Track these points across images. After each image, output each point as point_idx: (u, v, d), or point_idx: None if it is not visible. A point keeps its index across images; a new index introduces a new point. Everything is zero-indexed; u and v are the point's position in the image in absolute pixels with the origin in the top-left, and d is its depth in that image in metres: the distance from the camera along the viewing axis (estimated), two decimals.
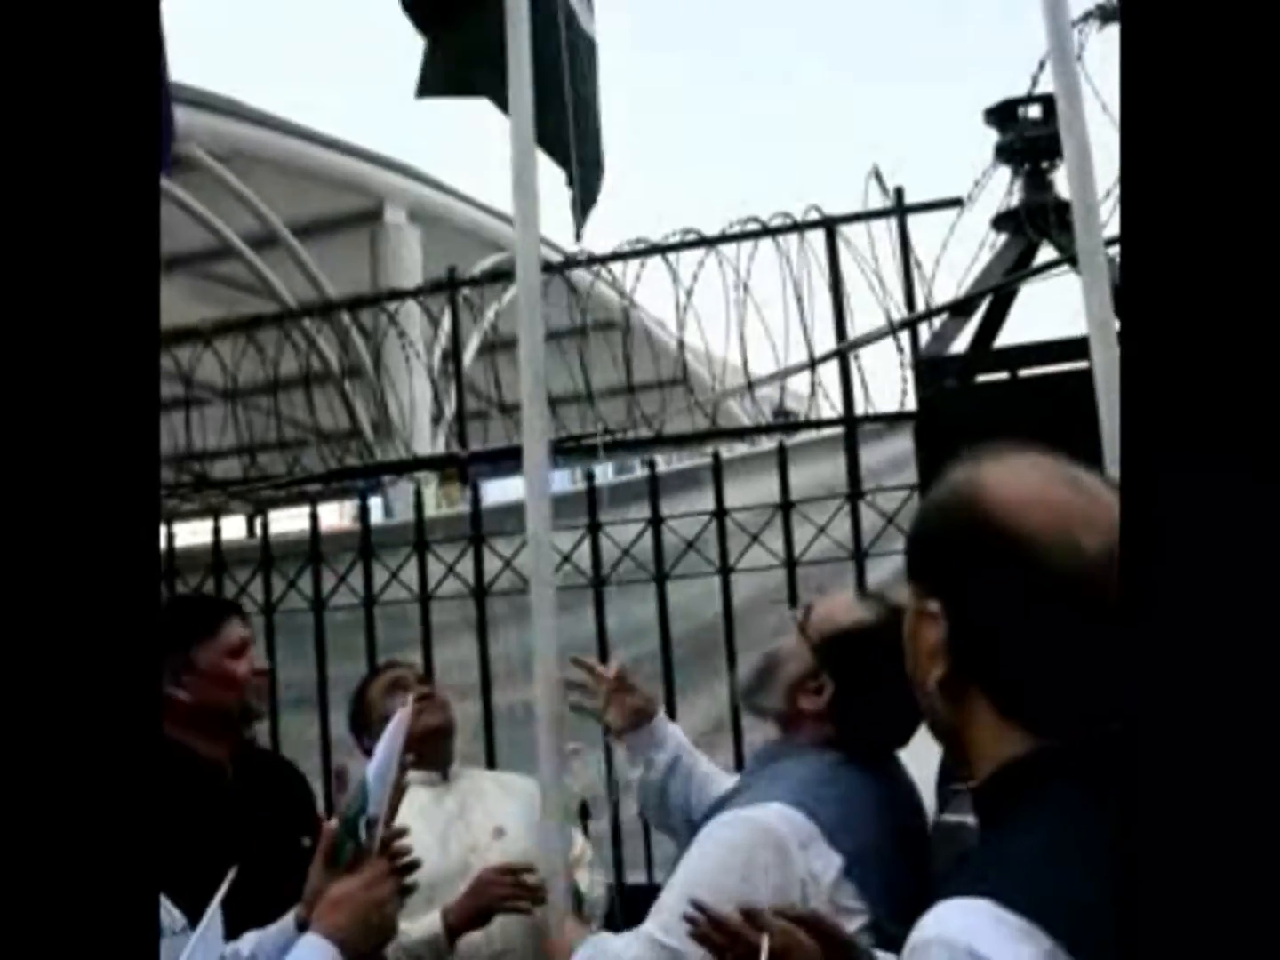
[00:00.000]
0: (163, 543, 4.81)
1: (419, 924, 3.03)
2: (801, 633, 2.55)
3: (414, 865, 2.37)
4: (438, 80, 3.49)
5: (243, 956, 2.19)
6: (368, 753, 3.27)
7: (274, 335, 5.04)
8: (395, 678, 3.41)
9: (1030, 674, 1.17)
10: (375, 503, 6.04)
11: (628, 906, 3.25)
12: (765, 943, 1.97)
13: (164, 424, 5.20)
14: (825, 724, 2.48)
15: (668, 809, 2.97)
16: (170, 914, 2.15)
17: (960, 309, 4.03)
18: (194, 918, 2.16)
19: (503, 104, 3.10)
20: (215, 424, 5.19)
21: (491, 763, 4.11)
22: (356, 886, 2.21)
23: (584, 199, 3.37)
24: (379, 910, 2.22)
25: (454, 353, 5.02)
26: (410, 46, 3.46)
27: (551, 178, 3.23)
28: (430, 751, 3.22)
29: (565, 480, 4.68)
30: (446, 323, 4.96)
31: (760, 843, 2.36)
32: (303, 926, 2.25)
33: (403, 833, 2.36)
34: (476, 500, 4.41)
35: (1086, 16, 3.94)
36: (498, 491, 5.44)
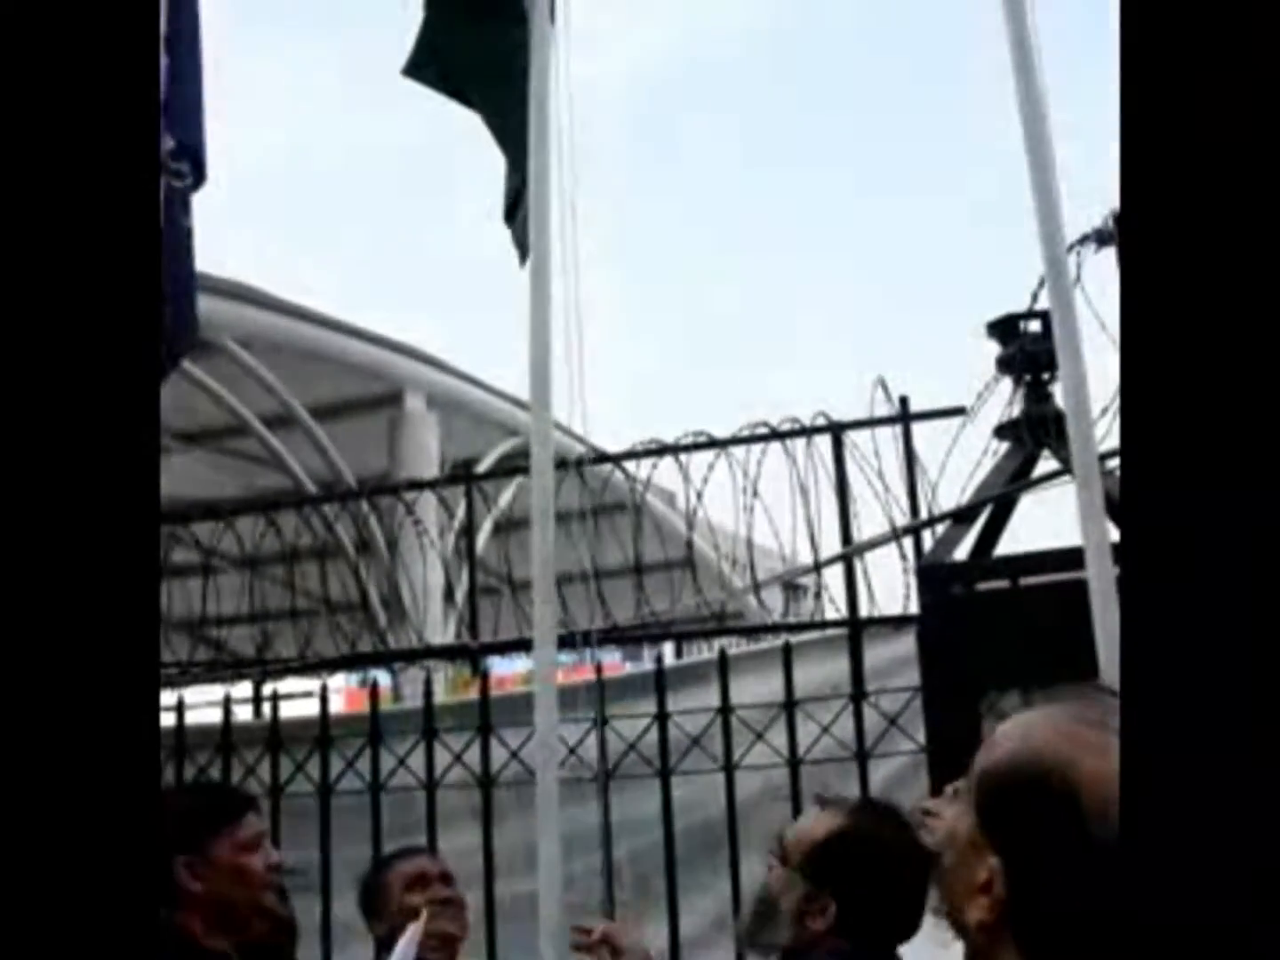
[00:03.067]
0: (173, 718, 4.86)
1: None
2: (783, 863, 2.57)
3: None
4: (429, 71, 3.54)
5: None
6: (379, 941, 3.30)
7: (291, 516, 5.15)
8: (419, 872, 3.40)
9: (1076, 936, 1.19)
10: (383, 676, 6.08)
11: None
12: None
13: (179, 590, 5.31)
14: (835, 938, 2.47)
15: None
16: None
17: (962, 516, 4.14)
18: None
19: (490, 126, 3.23)
20: (230, 592, 5.27)
21: (492, 954, 4.11)
22: None
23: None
24: None
25: (468, 542, 5.12)
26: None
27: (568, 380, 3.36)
28: (441, 952, 3.25)
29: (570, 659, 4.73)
30: (461, 510, 5.08)
31: None
32: None
33: None
34: (485, 690, 4.47)
35: (1084, 239, 4.12)
36: (502, 664, 5.51)
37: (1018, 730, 1.32)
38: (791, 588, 5.09)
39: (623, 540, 4.57)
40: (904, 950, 2.50)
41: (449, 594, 6.69)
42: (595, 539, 4.60)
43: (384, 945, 3.31)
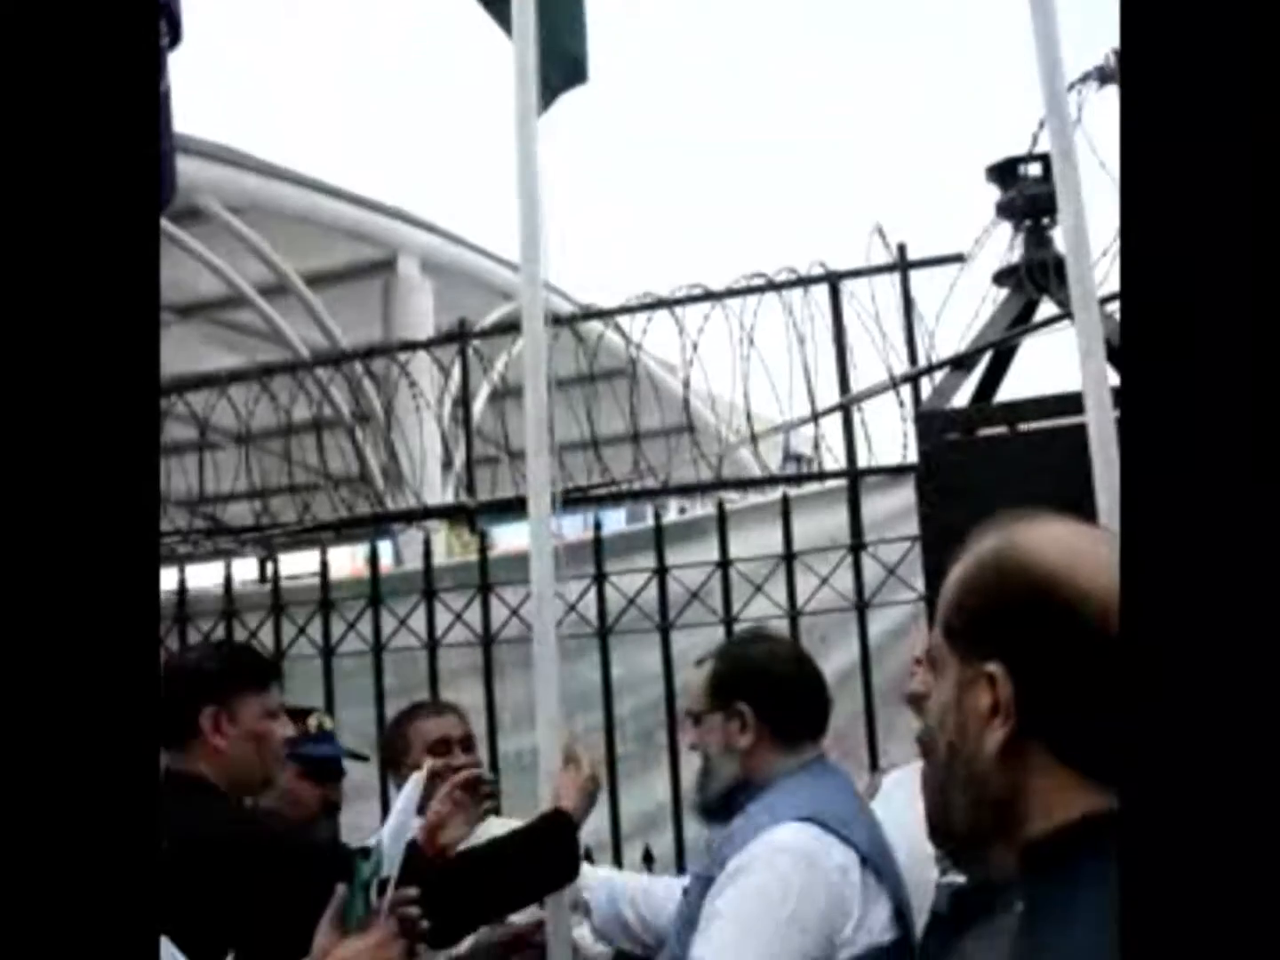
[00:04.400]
0: (174, 587, 4.87)
1: None
2: (695, 721, 2.78)
3: (423, 931, 2.41)
4: None
5: None
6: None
7: (287, 383, 5.11)
8: (442, 736, 3.41)
9: (1103, 727, 1.18)
10: (385, 547, 6.08)
11: None
12: None
13: (177, 467, 5.30)
14: (767, 744, 2.69)
15: (627, 932, 3.06)
16: (175, 958, 2.18)
17: (961, 363, 4.09)
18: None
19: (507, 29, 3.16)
20: (228, 468, 5.25)
21: (497, 809, 4.14)
22: (365, 948, 2.23)
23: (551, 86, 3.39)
24: None
25: (463, 402, 5.08)
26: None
27: (561, 228, 3.29)
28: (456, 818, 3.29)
29: (577, 525, 4.73)
30: (457, 372, 5.03)
31: (790, 866, 2.49)
32: None
33: (413, 897, 2.40)
34: (484, 549, 4.47)
35: (1085, 78, 4.02)
36: (509, 536, 5.49)
37: (1012, 538, 1.29)
38: (794, 459, 5.05)
39: (621, 407, 4.52)
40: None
41: (447, 464, 6.66)
42: (592, 395, 4.56)
43: None
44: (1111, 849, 1.10)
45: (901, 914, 2.58)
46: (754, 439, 4.19)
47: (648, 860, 3.95)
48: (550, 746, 2.98)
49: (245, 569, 5.33)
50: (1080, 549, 1.24)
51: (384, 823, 3.88)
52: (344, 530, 4.81)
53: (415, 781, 2.53)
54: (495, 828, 3.36)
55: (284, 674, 4.57)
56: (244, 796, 2.93)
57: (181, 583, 4.94)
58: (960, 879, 2.37)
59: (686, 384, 4.29)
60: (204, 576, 5.34)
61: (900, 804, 2.82)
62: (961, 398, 4.09)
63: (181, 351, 6.45)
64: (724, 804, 2.75)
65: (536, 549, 3.05)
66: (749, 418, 4.11)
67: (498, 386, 5.24)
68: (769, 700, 2.75)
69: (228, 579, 4.83)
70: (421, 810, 2.84)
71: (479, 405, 5.96)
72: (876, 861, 2.59)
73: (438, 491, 6.47)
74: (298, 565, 5.43)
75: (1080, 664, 1.20)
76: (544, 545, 3.05)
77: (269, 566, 4.90)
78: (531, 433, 3.02)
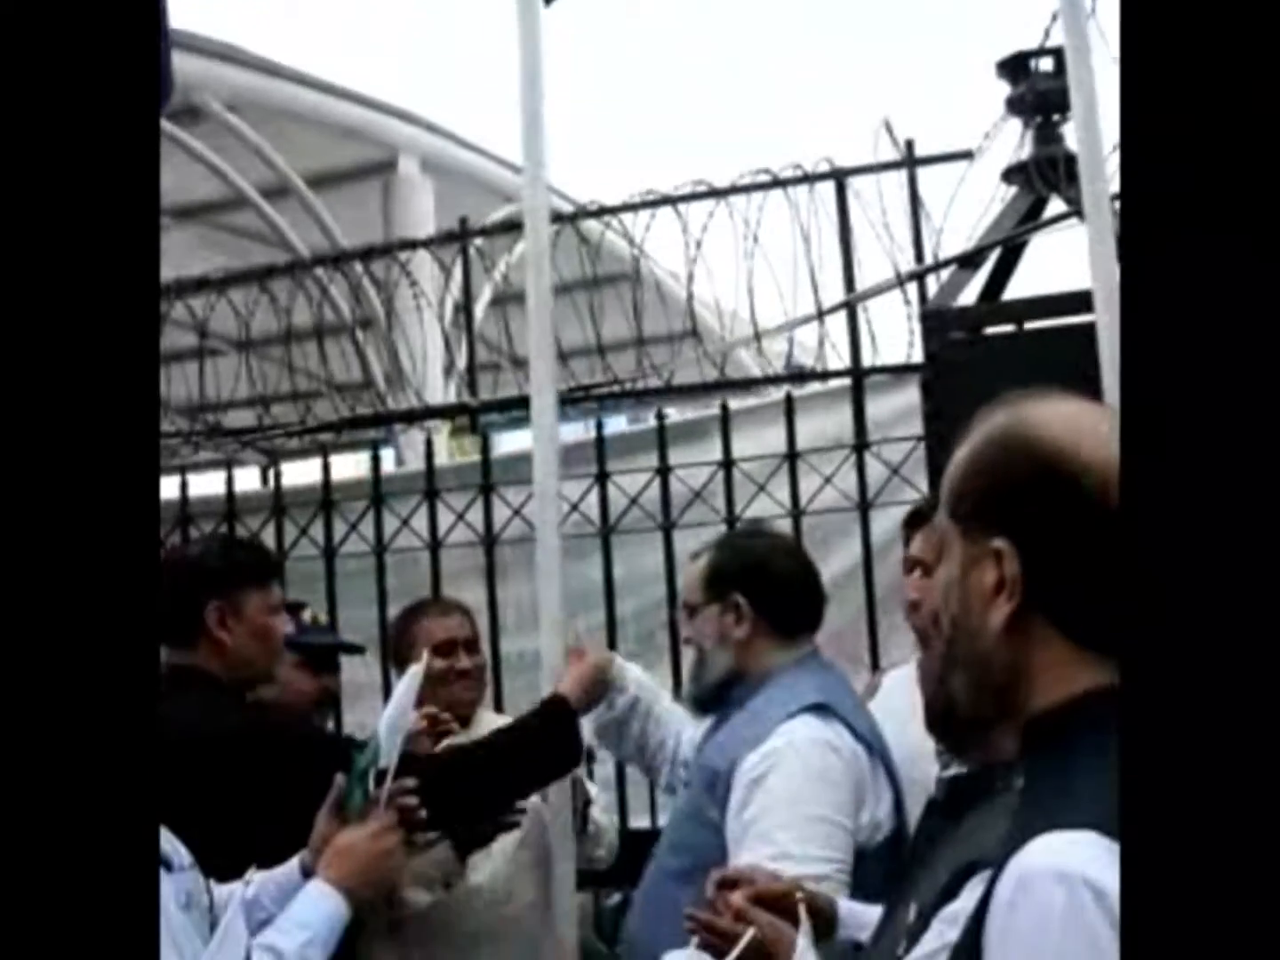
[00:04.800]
0: (175, 491, 4.86)
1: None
2: (690, 614, 2.81)
3: (420, 821, 2.42)
4: None
5: (246, 898, 2.22)
6: None
7: (287, 285, 5.06)
8: (448, 639, 3.41)
9: (1106, 600, 1.18)
10: (387, 455, 6.07)
11: (631, 850, 3.31)
12: (746, 936, 2.07)
13: (178, 374, 5.26)
14: (763, 637, 2.73)
15: (622, 740, 3.12)
16: (176, 849, 2.18)
17: (968, 261, 4.04)
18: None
19: None
20: (229, 375, 5.21)
21: (499, 709, 4.15)
22: (363, 837, 2.27)
23: None
24: (384, 861, 2.28)
25: (465, 303, 5.03)
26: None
27: (562, 127, 3.25)
28: (456, 705, 3.30)
29: (578, 431, 4.71)
30: (458, 273, 4.98)
31: (819, 757, 2.55)
32: (307, 873, 2.29)
33: (411, 788, 2.41)
34: (486, 449, 4.45)
35: None
36: (511, 443, 5.48)
37: (1018, 415, 1.29)
38: (797, 370, 5.00)
39: (625, 310, 4.48)
40: None
41: (448, 369, 6.62)
42: (595, 296, 4.51)
43: None
44: (1113, 723, 1.10)
45: (899, 807, 2.61)
46: (758, 338, 4.15)
47: None
48: (553, 646, 2.98)
49: (247, 479, 5.32)
50: (1084, 424, 1.24)
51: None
52: (346, 430, 4.77)
53: (413, 674, 2.53)
54: (496, 723, 3.37)
55: (285, 575, 4.61)
56: (246, 690, 2.94)
57: (183, 486, 4.92)
58: (960, 771, 2.39)
59: (690, 280, 4.24)
60: (206, 486, 5.33)
61: (899, 702, 2.84)
62: (968, 296, 4.04)
63: (179, 255, 6.37)
64: (717, 696, 2.78)
65: (540, 446, 3.02)
66: (753, 316, 4.07)
67: (499, 290, 5.20)
68: (766, 592, 2.77)
69: (229, 480, 4.81)
70: (421, 704, 2.85)
71: (480, 309, 5.92)
72: (881, 751, 2.62)
73: (440, 395, 6.42)
74: (299, 476, 5.42)
75: (1084, 538, 1.20)
76: (547, 442, 3.02)
77: (270, 476, 4.88)
78: (535, 327, 2.98)
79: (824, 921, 2.23)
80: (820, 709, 2.62)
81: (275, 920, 2.14)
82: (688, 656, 2.89)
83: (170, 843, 2.16)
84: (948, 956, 1.24)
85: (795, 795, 2.52)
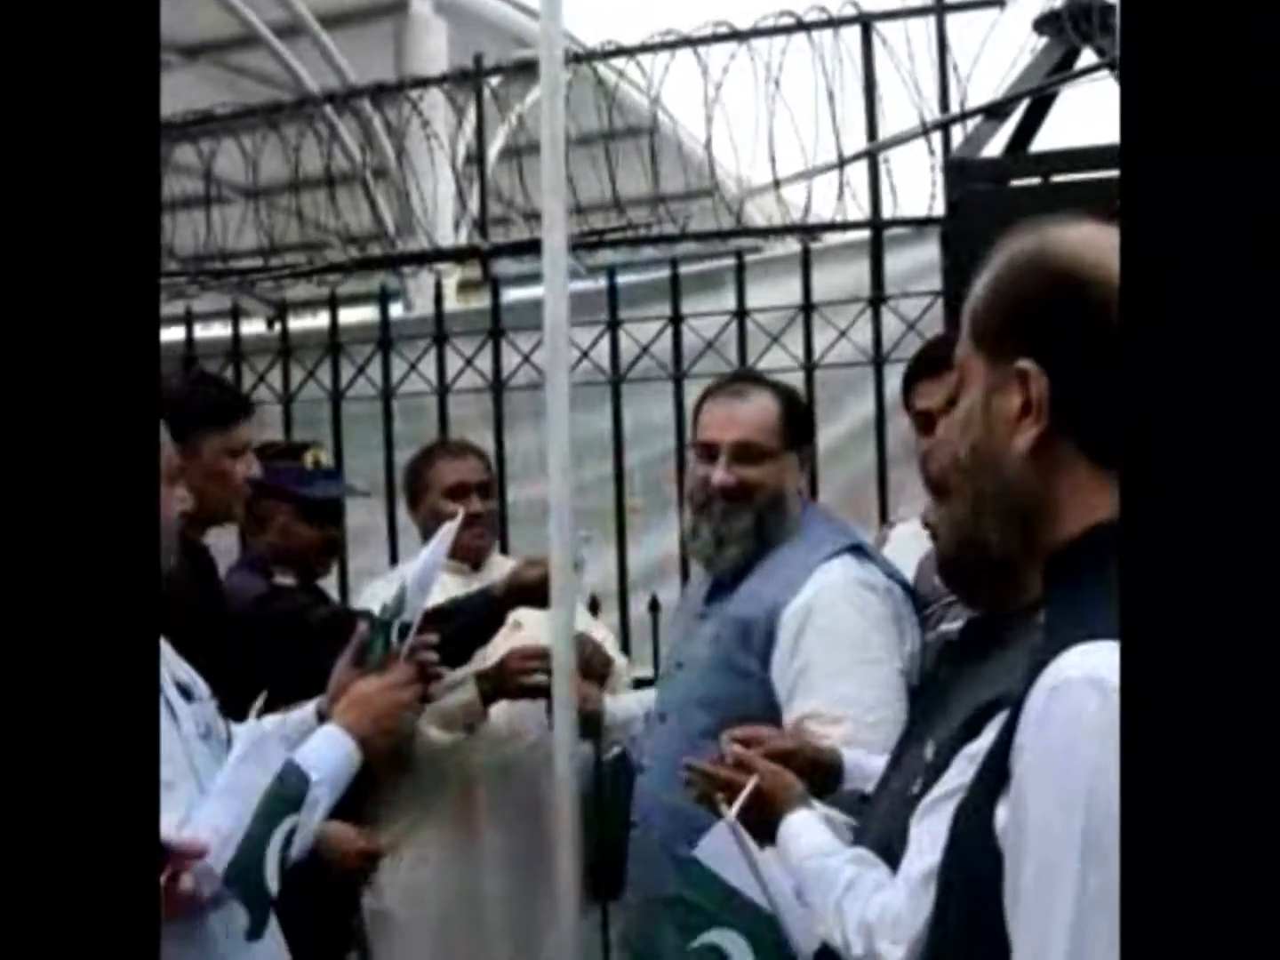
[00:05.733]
0: (181, 334, 4.80)
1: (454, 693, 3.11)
2: (709, 457, 2.72)
3: (438, 675, 2.42)
4: None
5: (266, 730, 2.22)
6: (425, 534, 3.34)
7: (295, 129, 4.93)
8: (460, 481, 3.39)
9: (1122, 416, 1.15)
10: (396, 309, 5.98)
11: None
12: (750, 784, 2.06)
13: (184, 221, 5.15)
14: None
15: None
16: (195, 680, 2.18)
17: (996, 112, 3.93)
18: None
19: None
20: (236, 223, 5.10)
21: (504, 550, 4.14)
22: (380, 687, 2.29)
23: None
24: (399, 712, 2.30)
25: (479, 146, 4.92)
26: None
27: None
28: (467, 551, 3.29)
29: (588, 284, 4.63)
30: (472, 115, 4.86)
31: (867, 599, 2.56)
32: (323, 718, 2.30)
33: (432, 643, 2.40)
34: (496, 294, 4.37)
35: None
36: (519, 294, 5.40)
37: (1043, 237, 1.28)
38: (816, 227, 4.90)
39: (642, 162, 4.36)
40: None
41: (458, 221, 6.50)
42: (610, 143, 4.40)
43: (425, 535, 3.37)
44: None
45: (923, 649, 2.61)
46: (776, 185, 4.04)
47: (654, 609, 3.95)
48: (561, 494, 2.94)
49: (255, 329, 5.23)
50: (1110, 245, 1.20)
51: (393, 567, 3.92)
52: (355, 273, 4.69)
53: (446, 531, 2.53)
54: (505, 567, 3.35)
55: (291, 418, 4.58)
56: (200, 532, 2.93)
57: (188, 328, 4.86)
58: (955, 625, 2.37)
59: (709, 122, 4.12)
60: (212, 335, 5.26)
61: (905, 556, 2.81)
62: (994, 148, 3.94)
63: (185, 95, 6.20)
64: (758, 545, 2.70)
65: (551, 288, 2.95)
66: (772, 163, 3.96)
67: (512, 141, 5.07)
68: (810, 443, 2.80)
69: (234, 322, 4.74)
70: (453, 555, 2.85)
71: (493, 157, 5.80)
72: (910, 589, 2.60)
73: (450, 237, 6.30)
74: (306, 325, 5.34)
75: (1109, 355, 1.17)
76: (559, 284, 2.95)
77: (276, 326, 4.81)
78: (548, 164, 2.89)
79: (830, 775, 2.23)
80: (855, 550, 2.61)
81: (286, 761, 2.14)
82: (713, 505, 2.75)
83: (189, 674, 2.17)
84: (969, 788, 1.22)
85: (846, 639, 2.50)
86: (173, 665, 2.15)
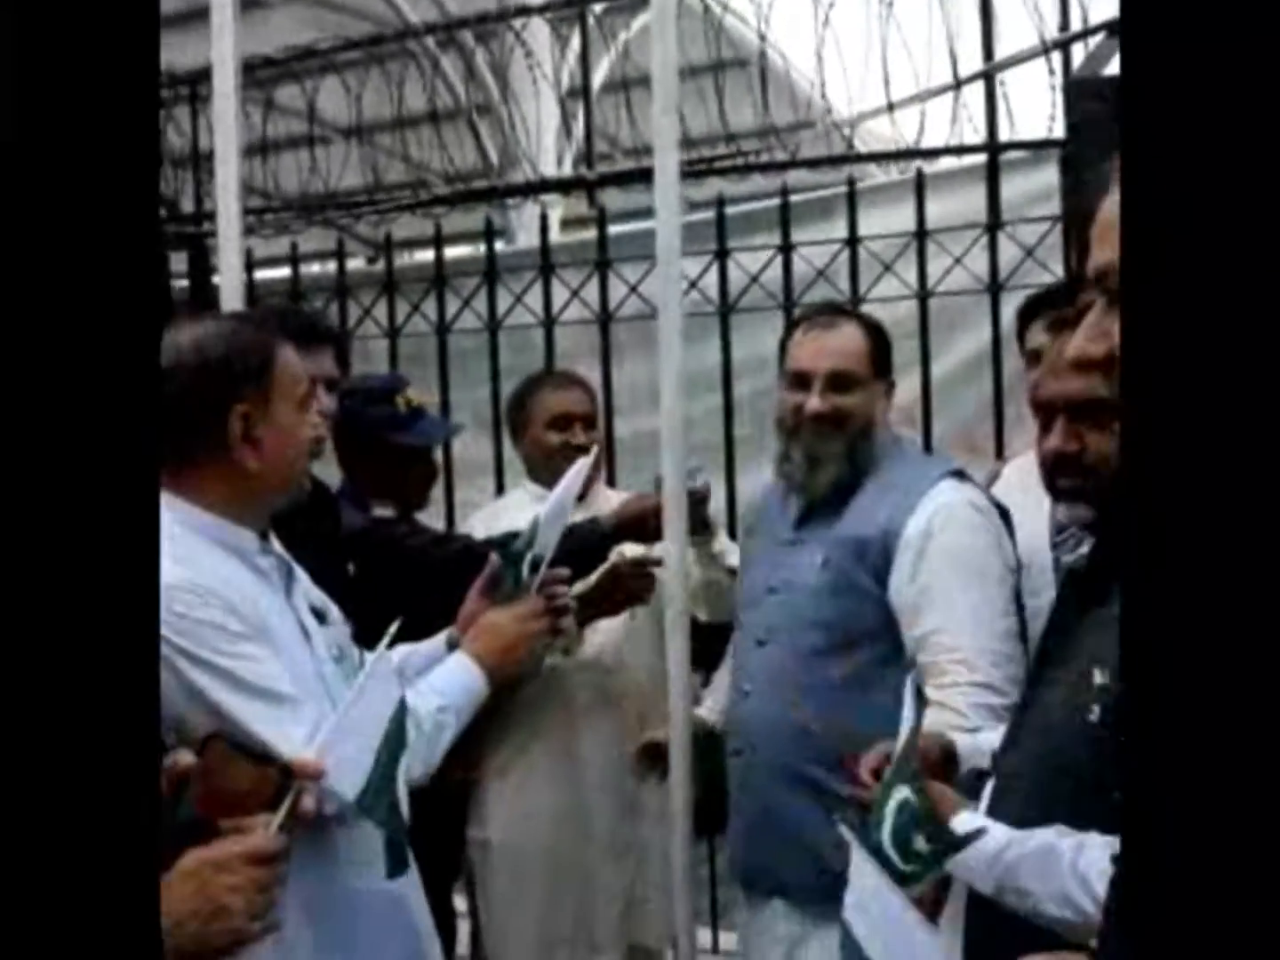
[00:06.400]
0: (287, 271, 4.81)
1: None
2: (843, 385, 2.73)
3: (566, 609, 2.42)
4: None
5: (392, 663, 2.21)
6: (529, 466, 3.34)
7: (397, 64, 4.89)
8: (563, 413, 3.35)
9: None
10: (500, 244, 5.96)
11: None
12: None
13: (288, 162, 5.14)
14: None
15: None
16: (327, 604, 2.19)
17: (1118, 29, 3.80)
18: None
19: None
20: (340, 163, 5.08)
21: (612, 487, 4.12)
22: (510, 618, 2.29)
23: None
24: (527, 644, 2.29)
25: (583, 75, 4.87)
26: None
27: None
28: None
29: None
30: (576, 45, 4.81)
31: (982, 522, 2.61)
32: (453, 647, 2.30)
33: (565, 577, 2.41)
34: (603, 224, 4.31)
35: None
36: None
37: None
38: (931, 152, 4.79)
39: (751, 100, 4.27)
40: None
41: (560, 159, 6.46)
42: (719, 74, 4.32)
43: (529, 467, 3.39)
44: None
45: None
46: (890, 109, 3.94)
47: None
48: (672, 426, 2.90)
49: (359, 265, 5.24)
50: None
51: (497, 499, 3.91)
52: (459, 206, 4.66)
53: (579, 467, 2.52)
54: (615, 502, 3.32)
55: (398, 353, 4.57)
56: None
57: (294, 263, 4.87)
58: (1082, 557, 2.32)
59: (820, 43, 4.02)
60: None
61: (1017, 491, 2.79)
62: (1116, 66, 3.81)
63: (286, 35, 6.17)
64: (850, 471, 2.72)
65: (661, 212, 2.90)
66: (886, 85, 3.86)
67: (615, 74, 5.01)
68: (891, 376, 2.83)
69: (340, 256, 4.74)
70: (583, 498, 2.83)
71: (598, 83, 5.73)
72: (1007, 513, 2.63)
73: (554, 175, 6.25)
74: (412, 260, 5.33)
75: None
76: (669, 210, 2.90)
77: (380, 262, 4.80)
78: (659, 88, 2.83)
79: (951, 761, 2.20)
80: (959, 474, 2.67)
81: (415, 686, 2.15)
82: (804, 431, 2.76)
83: (323, 599, 2.18)
84: None
85: (965, 560, 2.55)
86: (307, 587, 2.16)
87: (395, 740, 1.84)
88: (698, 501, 3.03)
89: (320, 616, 2.14)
